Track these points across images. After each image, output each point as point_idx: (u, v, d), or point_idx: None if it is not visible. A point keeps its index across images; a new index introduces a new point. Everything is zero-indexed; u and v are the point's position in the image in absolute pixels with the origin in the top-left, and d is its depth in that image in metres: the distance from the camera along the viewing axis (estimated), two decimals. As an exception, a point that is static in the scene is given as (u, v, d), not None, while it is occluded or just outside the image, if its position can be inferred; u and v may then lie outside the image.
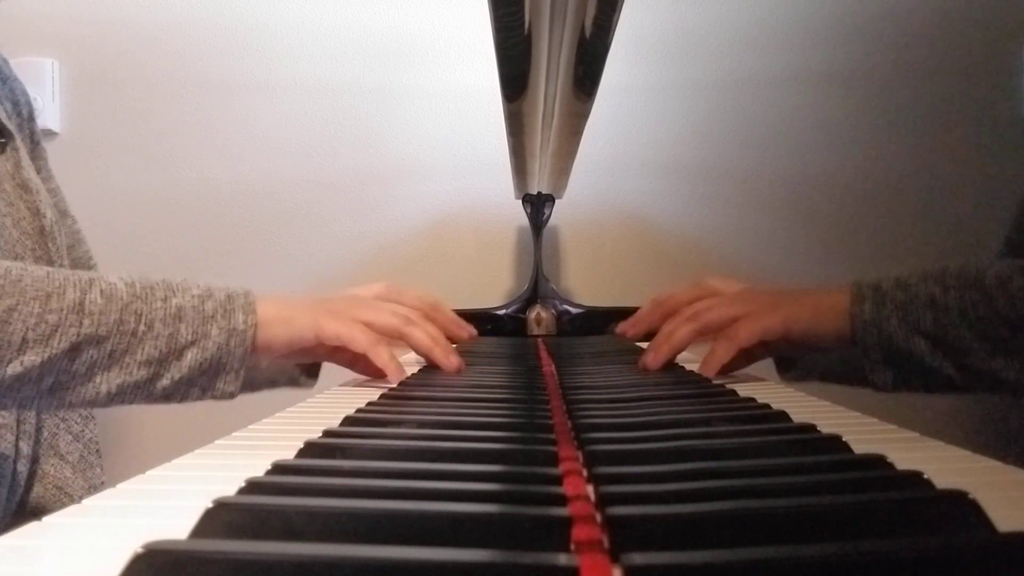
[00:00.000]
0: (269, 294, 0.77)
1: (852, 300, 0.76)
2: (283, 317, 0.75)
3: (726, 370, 0.80)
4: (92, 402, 0.70)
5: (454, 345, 0.93)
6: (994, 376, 0.71)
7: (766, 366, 0.91)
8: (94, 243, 1.09)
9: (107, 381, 0.69)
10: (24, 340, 0.65)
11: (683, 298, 0.87)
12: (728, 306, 0.82)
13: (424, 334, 0.83)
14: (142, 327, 0.69)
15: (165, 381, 0.70)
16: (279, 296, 0.78)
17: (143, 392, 0.70)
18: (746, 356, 0.83)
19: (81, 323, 0.67)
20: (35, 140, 1.05)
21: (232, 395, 0.73)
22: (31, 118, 1.06)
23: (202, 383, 0.72)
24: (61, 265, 0.95)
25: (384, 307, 0.84)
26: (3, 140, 0.95)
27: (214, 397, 0.73)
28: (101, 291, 0.68)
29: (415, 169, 1.58)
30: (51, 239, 0.94)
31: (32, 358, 0.65)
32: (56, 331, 0.66)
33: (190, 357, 0.71)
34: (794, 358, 0.93)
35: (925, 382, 0.75)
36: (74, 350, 0.67)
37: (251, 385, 0.93)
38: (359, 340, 0.78)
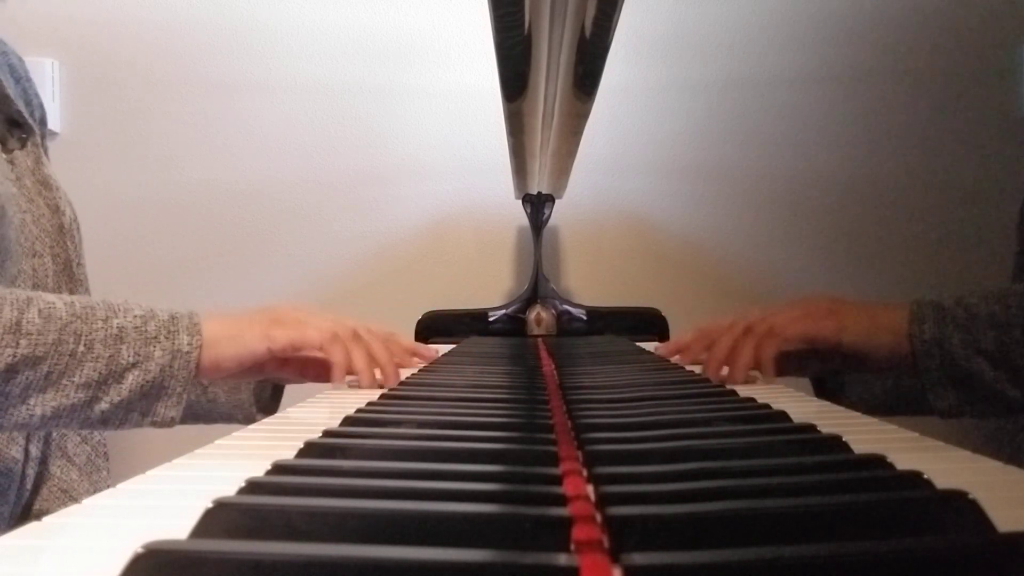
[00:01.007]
0: (215, 312, 0.74)
1: (911, 319, 0.74)
2: (230, 334, 0.73)
3: (777, 371, 0.76)
4: (25, 425, 0.67)
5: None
6: None
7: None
8: (94, 243, 1.09)
9: (42, 404, 0.66)
10: None
11: (725, 324, 0.82)
12: (777, 313, 0.79)
13: (364, 354, 0.78)
14: (81, 348, 0.66)
15: (104, 404, 0.67)
16: (224, 314, 0.75)
17: (79, 416, 0.67)
18: (797, 362, 0.81)
19: (18, 343, 0.64)
20: (44, 146, 1.04)
21: (173, 421, 0.70)
22: (43, 122, 1.05)
23: (142, 407, 0.69)
24: (79, 264, 0.94)
25: (331, 318, 0.80)
26: (24, 135, 0.93)
27: (154, 423, 0.70)
28: (39, 311, 0.66)
29: (415, 169, 1.58)
30: (69, 237, 0.93)
31: None
32: None
33: (131, 379, 0.68)
34: (837, 389, 0.91)
35: (987, 404, 0.73)
36: (9, 371, 0.64)
37: (205, 417, 0.91)
38: (312, 338, 0.75)
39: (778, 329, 0.76)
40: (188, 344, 0.70)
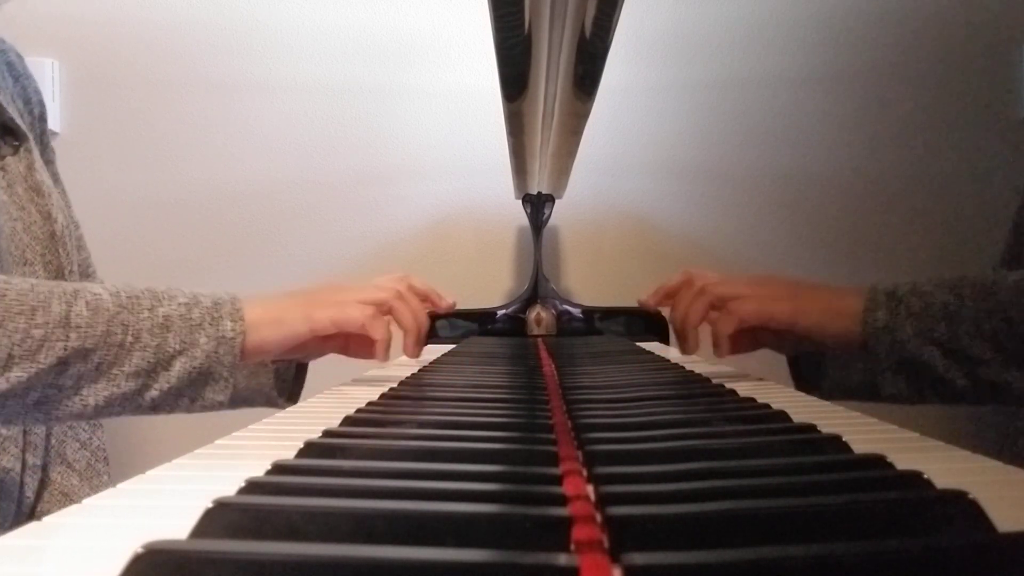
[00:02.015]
0: (255, 296, 0.76)
1: (866, 306, 0.75)
2: (272, 318, 0.74)
3: (733, 349, 0.78)
4: (79, 415, 0.68)
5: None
6: (1006, 388, 0.70)
7: (776, 371, 0.90)
8: (94, 244, 1.09)
9: (94, 394, 0.67)
10: (10, 356, 0.63)
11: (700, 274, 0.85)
12: (740, 284, 0.80)
13: (410, 313, 0.82)
14: (129, 338, 0.68)
15: (154, 392, 0.69)
16: (265, 297, 0.77)
17: (131, 404, 0.69)
18: (752, 340, 0.82)
19: (68, 336, 0.65)
20: (45, 142, 1.04)
21: (222, 405, 0.72)
22: (42, 118, 1.04)
23: (191, 393, 0.71)
24: (71, 271, 0.93)
25: (369, 286, 0.82)
26: (16, 143, 0.93)
27: (203, 408, 0.72)
28: (87, 303, 0.67)
29: (415, 169, 1.58)
30: (61, 244, 0.92)
31: (18, 374, 0.64)
32: (42, 346, 0.64)
33: (178, 367, 0.69)
34: (813, 371, 0.92)
35: (936, 392, 0.74)
36: (61, 364, 0.65)
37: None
38: (354, 317, 0.77)
39: (735, 307, 0.77)
40: (232, 330, 0.71)
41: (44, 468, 0.90)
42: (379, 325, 0.78)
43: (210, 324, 0.71)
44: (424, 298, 0.88)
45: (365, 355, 0.82)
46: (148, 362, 0.68)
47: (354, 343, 0.82)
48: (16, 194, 0.90)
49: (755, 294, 0.78)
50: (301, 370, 0.95)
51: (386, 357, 0.78)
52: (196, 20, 1.57)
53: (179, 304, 0.71)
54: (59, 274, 0.91)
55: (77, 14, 1.57)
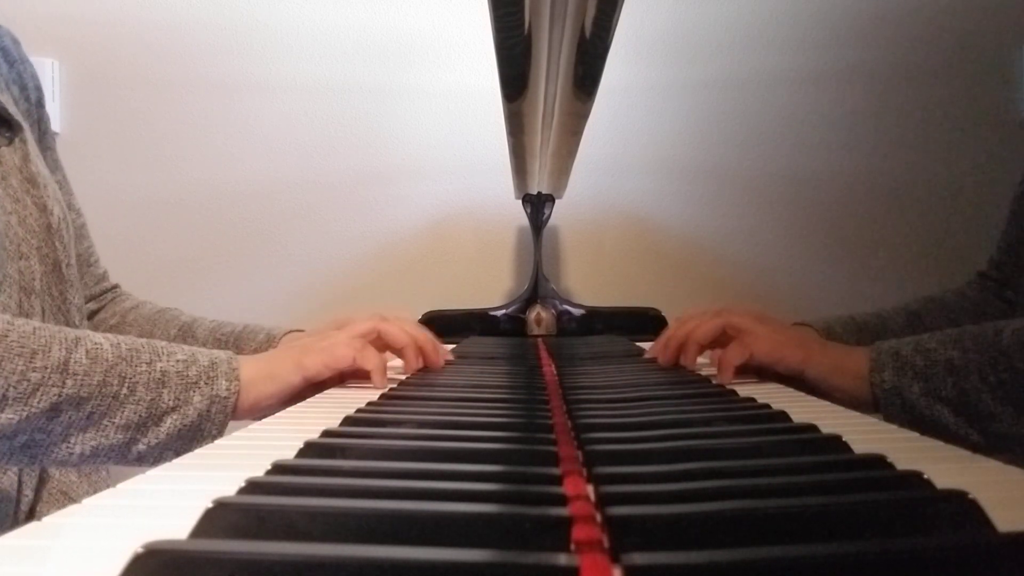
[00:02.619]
0: (251, 357, 0.77)
1: (872, 367, 0.74)
2: (265, 374, 0.74)
3: (727, 379, 0.78)
4: (64, 462, 0.68)
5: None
6: (1021, 439, 0.69)
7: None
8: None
9: (82, 443, 0.67)
10: (4, 397, 0.63)
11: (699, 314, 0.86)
12: (755, 319, 0.81)
13: (400, 329, 0.83)
14: (124, 390, 0.68)
15: (141, 446, 0.69)
16: (259, 356, 0.78)
17: (117, 455, 0.69)
18: (755, 372, 0.82)
19: (64, 383, 0.65)
20: (43, 128, 1.02)
21: None
22: (40, 104, 1.02)
23: (177, 447, 0.70)
24: (68, 264, 0.92)
25: (349, 326, 0.83)
26: (10, 133, 0.91)
27: None
28: (87, 351, 0.67)
29: (415, 169, 1.58)
30: (58, 237, 0.91)
31: (10, 416, 0.63)
32: (38, 390, 0.64)
33: (169, 423, 0.69)
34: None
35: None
36: (54, 410, 0.65)
37: None
38: (344, 355, 0.77)
39: (750, 340, 0.78)
40: (226, 390, 0.71)
41: (42, 470, 0.90)
42: (370, 355, 0.78)
43: (205, 383, 0.71)
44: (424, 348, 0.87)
45: (363, 378, 0.82)
46: (140, 416, 0.68)
47: (350, 378, 0.82)
48: (11, 187, 0.88)
49: (767, 335, 0.79)
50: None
51: (383, 382, 0.78)
52: (196, 20, 1.57)
53: (177, 361, 0.71)
54: (56, 267, 0.90)
55: (77, 14, 1.57)
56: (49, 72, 1.56)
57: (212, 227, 1.57)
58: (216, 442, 0.50)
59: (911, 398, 0.72)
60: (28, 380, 0.64)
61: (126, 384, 0.68)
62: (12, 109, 0.92)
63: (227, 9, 1.57)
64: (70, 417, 0.66)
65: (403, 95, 1.58)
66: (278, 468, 0.37)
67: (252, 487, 0.34)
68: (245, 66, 1.58)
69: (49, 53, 1.57)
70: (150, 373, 0.69)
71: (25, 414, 0.64)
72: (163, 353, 0.71)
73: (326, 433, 0.47)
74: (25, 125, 0.93)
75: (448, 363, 0.89)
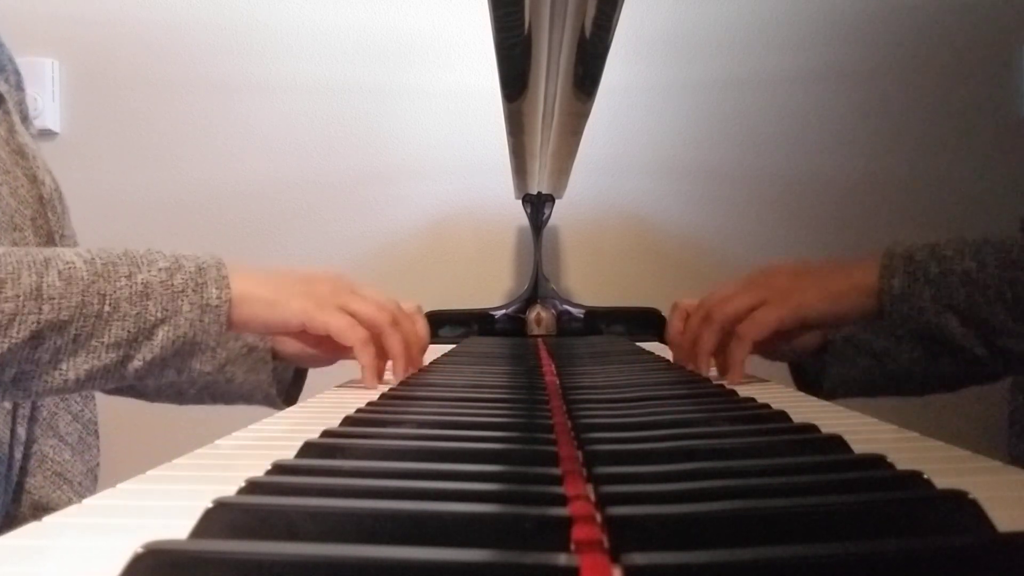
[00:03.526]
0: (243, 266, 0.72)
1: (881, 273, 0.72)
2: (264, 297, 0.71)
3: (739, 376, 0.76)
4: (61, 389, 0.66)
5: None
6: None
7: (776, 372, 0.89)
8: (94, 243, 1.08)
9: (75, 367, 0.64)
10: None
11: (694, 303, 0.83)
12: (741, 296, 0.77)
13: (400, 342, 0.78)
14: (107, 308, 0.64)
15: (137, 363, 0.66)
16: (254, 269, 0.74)
17: (114, 376, 0.66)
18: (766, 349, 0.80)
19: (40, 309, 0.62)
20: (23, 111, 0.98)
21: (208, 375, 0.70)
22: (19, 87, 0.99)
23: (176, 363, 0.68)
24: (63, 235, 0.90)
25: (370, 299, 0.78)
26: None
27: (190, 378, 0.69)
28: (59, 272, 0.64)
29: (415, 169, 1.58)
30: (51, 208, 0.89)
31: None
32: (14, 320, 0.62)
33: (161, 336, 0.66)
34: (817, 372, 0.90)
35: (952, 361, 0.72)
36: (36, 338, 0.62)
37: (223, 397, 0.91)
38: (348, 336, 0.74)
39: (743, 332, 0.75)
40: (217, 298, 0.68)
41: (32, 441, 0.88)
42: (369, 353, 0.75)
43: (193, 291, 0.67)
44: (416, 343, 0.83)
45: (339, 356, 0.80)
46: (128, 332, 0.65)
47: (345, 351, 0.80)
48: (0, 158, 0.87)
49: (758, 302, 0.76)
50: (300, 374, 0.94)
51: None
52: (196, 20, 1.57)
53: (159, 270, 0.67)
54: (50, 238, 0.88)
55: (77, 14, 1.57)
56: (49, 72, 1.56)
57: (212, 227, 1.57)
58: (216, 442, 0.50)
59: (920, 304, 0.70)
60: (1, 311, 0.61)
61: (107, 301, 0.65)
62: None
63: (227, 9, 1.57)
64: (55, 343, 0.63)
65: (403, 95, 1.58)
66: (278, 468, 0.37)
67: (252, 487, 0.34)
68: (245, 66, 1.58)
69: (49, 53, 1.57)
70: (131, 287, 0.66)
71: (6, 346, 0.62)
72: (143, 263, 0.67)
73: (326, 433, 0.47)
74: (8, 99, 0.91)
75: (447, 364, 0.89)
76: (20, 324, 0.62)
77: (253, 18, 1.57)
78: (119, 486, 0.38)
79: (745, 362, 0.75)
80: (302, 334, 0.77)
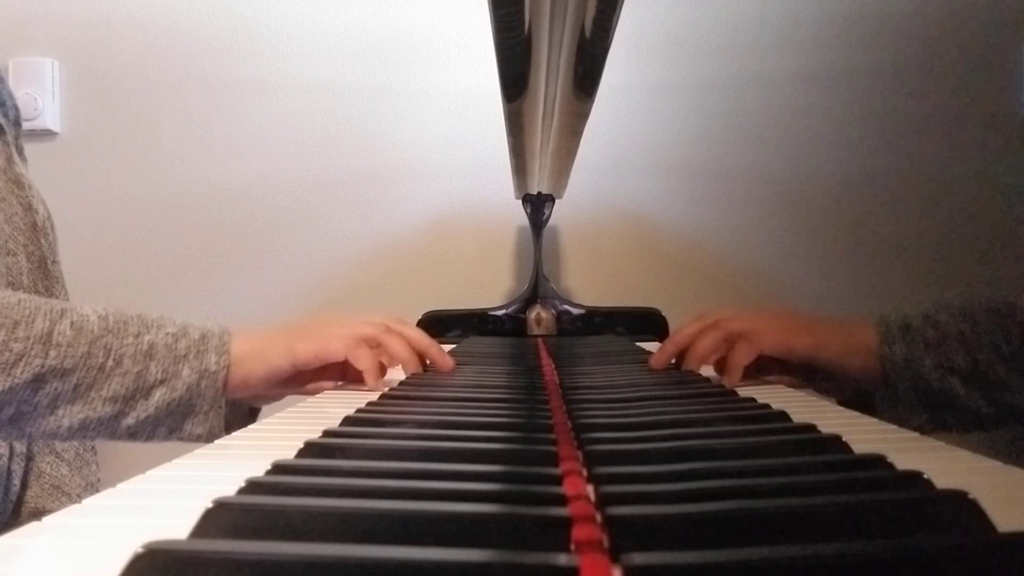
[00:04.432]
0: (245, 330, 0.74)
1: (881, 340, 0.73)
2: (256, 352, 0.73)
3: (736, 382, 0.75)
4: (54, 435, 0.68)
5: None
6: None
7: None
8: (94, 243, 1.08)
9: (70, 415, 0.66)
10: None
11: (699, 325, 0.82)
12: (753, 318, 0.78)
13: (400, 342, 0.79)
14: (110, 362, 0.67)
15: (130, 420, 0.68)
16: (254, 331, 0.76)
17: (107, 428, 0.68)
18: (763, 371, 0.80)
19: (47, 354, 0.65)
20: (19, 146, 1.02)
21: (200, 438, 0.71)
22: (18, 123, 1.03)
23: (170, 423, 0.70)
24: (54, 262, 0.93)
25: (358, 319, 0.80)
26: None
27: (181, 439, 0.70)
28: (72, 323, 0.66)
29: (415, 169, 1.58)
30: (43, 235, 0.92)
31: None
32: (20, 360, 0.64)
33: (158, 396, 0.68)
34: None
35: (960, 421, 0.72)
36: (37, 381, 0.65)
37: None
38: (335, 349, 0.75)
39: (756, 336, 0.75)
40: (216, 363, 0.70)
41: (31, 458, 0.90)
42: (363, 354, 0.76)
43: (195, 356, 0.70)
44: (427, 354, 0.83)
45: (362, 383, 0.79)
46: (127, 388, 0.67)
47: (350, 375, 0.80)
48: None
49: (771, 328, 0.76)
50: (253, 414, 0.94)
51: (376, 383, 0.75)
52: (196, 20, 1.57)
53: (166, 334, 0.70)
54: (42, 264, 0.91)
55: (77, 14, 1.57)
56: (49, 72, 1.56)
57: (212, 227, 1.57)
58: (216, 442, 0.50)
59: (922, 370, 0.71)
60: (10, 350, 0.64)
61: (112, 356, 0.67)
62: None
63: (227, 9, 1.57)
64: (55, 388, 0.65)
65: (403, 95, 1.58)
66: (278, 468, 0.37)
67: (252, 487, 0.34)
68: (245, 66, 1.58)
69: (49, 53, 1.57)
70: (137, 345, 0.68)
71: (8, 384, 0.64)
72: (152, 326, 0.70)
73: (326, 433, 0.47)
74: (8, 130, 0.94)
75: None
76: (25, 365, 0.64)
77: (253, 18, 1.57)
78: (119, 486, 0.38)
79: (743, 365, 0.75)
80: (302, 375, 0.78)
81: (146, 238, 1.56)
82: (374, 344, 0.79)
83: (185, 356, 0.70)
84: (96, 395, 0.67)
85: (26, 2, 1.56)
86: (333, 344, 0.76)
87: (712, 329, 0.78)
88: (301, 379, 0.80)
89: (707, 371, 0.81)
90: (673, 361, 0.81)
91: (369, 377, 0.76)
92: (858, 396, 0.88)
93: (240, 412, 0.91)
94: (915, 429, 0.72)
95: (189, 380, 0.69)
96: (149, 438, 0.70)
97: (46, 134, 1.54)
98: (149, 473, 0.41)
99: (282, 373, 0.75)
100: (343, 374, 0.81)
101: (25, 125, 1.13)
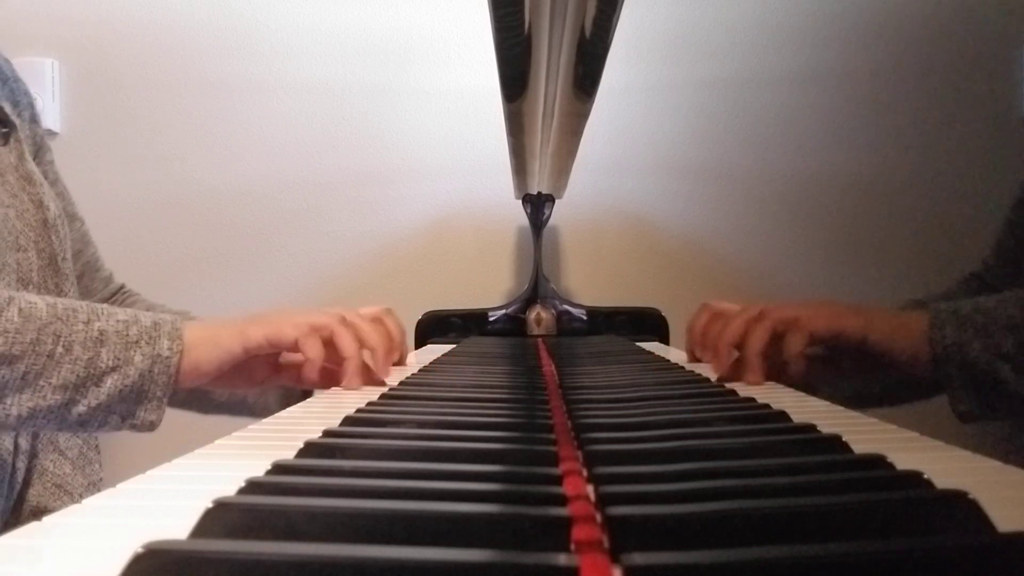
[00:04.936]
0: (200, 321, 0.73)
1: (931, 324, 0.73)
2: (207, 337, 0.72)
3: (799, 371, 0.73)
4: (2, 426, 0.66)
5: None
6: None
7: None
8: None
9: (18, 404, 0.65)
10: None
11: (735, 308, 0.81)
12: (799, 306, 0.76)
13: (351, 340, 0.75)
14: (60, 349, 0.66)
15: (81, 407, 0.67)
16: (210, 320, 0.74)
17: (57, 417, 0.67)
18: (813, 368, 0.77)
19: None
20: (37, 142, 1.03)
21: (153, 425, 0.70)
22: (34, 120, 1.03)
23: (121, 411, 0.68)
24: (64, 258, 0.93)
25: (316, 310, 0.78)
26: (6, 130, 0.93)
27: (134, 427, 0.69)
28: (20, 310, 0.65)
29: (415, 169, 1.58)
30: (54, 231, 0.92)
31: None
32: None
33: (110, 383, 0.67)
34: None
35: (1008, 407, 0.72)
36: None
37: (235, 409, 0.92)
38: (287, 334, 0.74)
39: (804, 322, 0.74)
40: (168, 349, 0.69)
41: (35, 455, 0.90)
42: (312, 343, 0.74)
43: (147, 343, 0.69)
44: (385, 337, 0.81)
45: (321, 384, 0.78)
46: (78, 376, 0.66)
47: (308, 374, 0.78)
48: (7, 183, 0.90)
49: (819, 313, 0.75)
50: (306, 396, 0.94)
51: (314, 375, 0.74)
52: (196, 20, 1.57)
53: (117, 321, 0.69)
54: (52, 261, 0.91)
55: (77, 14, 1.57)
56: (49, 72, 1.56)
57: (212, 227, 1.57)
58: (216, 442, 0.50)
59: (971, 354, 0.71)
60: None
61: (61, 343, 0.66)
62: (8, 109, 0.94)
63: (227, 9, 1.57)
64: (3, 376, 0.64)
65: (403, 95, 1.58)
66: (278, 468, 0.37)
67: (252, 487, 0.34)
68: (245, 66, 1.58)
69: (49, 53, 1.57)
70: (87, 332, 0.67)
71: None
72: (103, 313, 0.69)
73: (326, 433, 0.47)
74: (19, 125, 0.94)
75: (447, 364, 0.88)
76: None
77: (253, 18, 1.57)
78: (119, 486, 0.38)
79: (802, 356, 0.73)
80: (257, 366, 0.77)
81: (146, 238, 1.56)
82: (327, 334, 0.76)
83: (137, 342, 0.68)
84: (45, 383, 0.65)
85: (26, 2, 1.56)
86: (286, 329, 0.74)
87: (759, 320, 0.76)
88: (254, 374, 0.79)
89: (704, 370, 0.81)
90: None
91: (308, 368, 0.74)
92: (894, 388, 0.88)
93: (291, 399, 0.91)
94: (964, 414, 0.73)
95: (142, 366, 0.68)
96: (100, 427, 0.69)
97: (46, 134, 1.54)
98: (149, 473, 0.41)
99: (235, 358, 0.73)
100: (299, 377, 0.79)
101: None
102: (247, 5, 1.57)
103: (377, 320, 0.84)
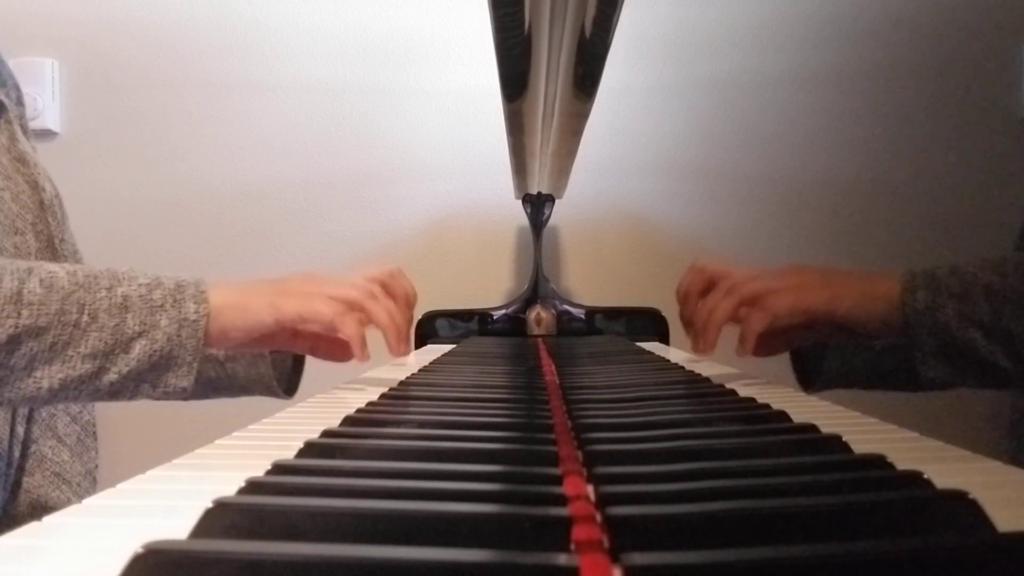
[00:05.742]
0: (222, 280, 0.72)
1: (904, 288, 0.72)
2: (237, 304, 0.70)
3: (763, 350, 0.74)
4: (34, 398, 0.66)
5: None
6: None
7: (779, 372, 0.89)
8: (94, 243, 1.08)
9: (48, 376, 0.64)
10: None
11: (724, 270, 0.81)
12: (770, 278, 0.76)
13: (385, 311, 0.76)
14: (85, 318, 0.65)
15: (112, 375, 0.66)
16: (234, 282, 0.73)
17: (88, 387, 0.66)
18: (785, 338, 0.78)
19: (19, 314, 0.62)
20: (24, 126, 0.99)
21: (185, 391, 0.69)
22: (20, 102, 1.00)
23: (152, 378, 0.67)
24: (62, 240, 0.92)
25: (343, 281, 0.77)
26: None
27: (166, 394, 0.68)
28: (41, 280, 0.64)
29: (415, 169, 1.58)
30: (51, 213, 0.90)
31: None
32: None
33: (138, 349, 0.66)
34: (816, 363, 0.89)
35: (978, 375, 0.71)
36: (12, 343, 0.62)
37: (226, 390, 0.91)
38: (322, 313, 0.73)
39: (768, 303, 0.74)
40: (195, 312, 0.68)
41: (33, 441, 0.89)
42: (349, 322, 0.73)
43: (172, 306, 0.67)
44: (404, 301, 0.82)
45: (334, 357, 0.78)
46: (105, 343, 0.65)
47: (323, 344, 0.79)
48: (1, 164, 0.88)
49: (788, 287, 0.75)
50: (298, 362, 0.94)
51: (362, 353, 0.74)
52: (196, 20, 1.57)
53: (139, 284, 0.68)
54: (50, 243, 0.90)
55: (77, 14, 1.57)
56: (49, 72, 1.56)
57: (212, 227, 1.57)
58: (216, 442, 0.50)
59: (944, 319, 0.69)
60: None
61: (86, 311, 0.65)
62: None
63: (227, 9, 1.57)
64: (31, 349, 0.63)
65: (403, 95, 1.58)
66: (278, 468, 0.37)
67: (252, 487, 0.34)
68: (245, 66, 1.58)
69: (49, 53, 1.57)
70: (111, 299, 0.66)
71: None
72: (124, 278, 0.68)
73: (326, 433, 0.47)
74: (9, 106, 0.93)
75: (447, 364, 0.88)
76: None
77: (253, 18, 1.57)
78: (119, 486, 0.38)
79: (757, 337, 0.73)
80: (282, 333, 0.76)
81: (146, 238, 1.56)
82: (358, 308, 0.76)
83: (162, 306, 0.67)
84: (74, 352, 0.65)
85: (26, 2, 1.56)
86: (319, 306, 0.73)
87: (728, 294, 0.76)
88: (274, 339, 0.78)
89: (704, 370, 0.81)
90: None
91: (356, 348, 0.74)
92: (809, 351, 0.87)
93: (283, 365, 0.90)
94: (933, 380, 0.71)
95: (168, 330, 0.67)
96: (133, 395, 0.68)
97: (46, 134, 1.54)
98: (149, 473, 0.41)
99: (264, 328, 0.72)
100: (315, 345, 0.79)
101: (25, 125, 1.12)
102: (247, 5, 1.57)
103: (393, 278, 0.83)
